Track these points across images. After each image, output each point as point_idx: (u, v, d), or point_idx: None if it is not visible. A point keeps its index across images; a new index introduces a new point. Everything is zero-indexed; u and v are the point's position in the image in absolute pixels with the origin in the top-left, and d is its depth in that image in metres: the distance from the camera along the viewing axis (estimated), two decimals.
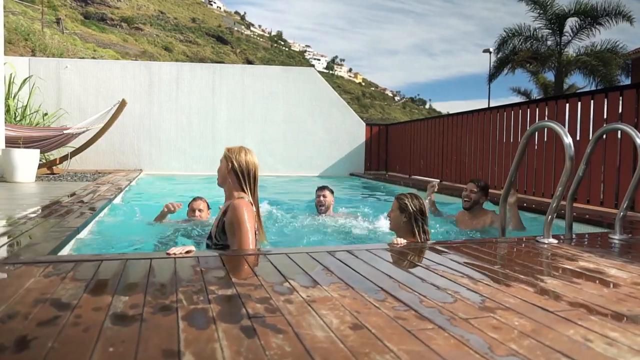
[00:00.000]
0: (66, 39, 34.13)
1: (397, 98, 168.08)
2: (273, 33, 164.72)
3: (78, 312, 1.84)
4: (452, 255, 2.89)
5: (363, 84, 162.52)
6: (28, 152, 7.42)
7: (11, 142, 7.96)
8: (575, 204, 5.76)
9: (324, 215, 5.69)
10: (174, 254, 2.82)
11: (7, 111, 9.90)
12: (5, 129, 8.13)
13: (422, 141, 10.80)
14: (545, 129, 6.27)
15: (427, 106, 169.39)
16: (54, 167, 9.42)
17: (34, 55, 19.08)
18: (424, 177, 10.49)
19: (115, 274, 2.43)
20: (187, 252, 2.88)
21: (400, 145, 12.20)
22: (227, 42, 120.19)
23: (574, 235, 3.72)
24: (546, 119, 6.64)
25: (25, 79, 10.94)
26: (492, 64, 24.97)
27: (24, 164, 7.29)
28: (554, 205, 3.29)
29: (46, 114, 10.91)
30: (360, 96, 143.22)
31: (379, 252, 2.94)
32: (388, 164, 12.87)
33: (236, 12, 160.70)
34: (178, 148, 12.14)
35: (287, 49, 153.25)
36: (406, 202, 3.44)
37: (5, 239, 3.20)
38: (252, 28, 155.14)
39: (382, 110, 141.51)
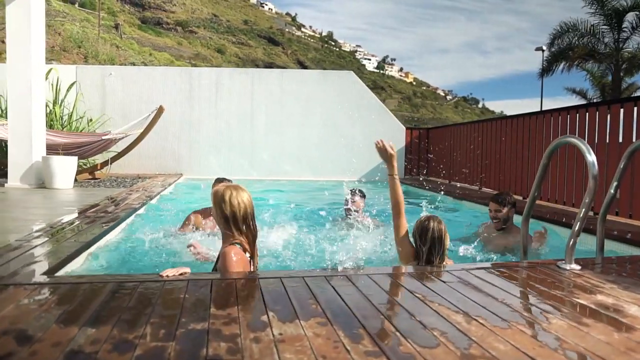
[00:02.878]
0: (124, 43, 35.46)
1: (449, 97, 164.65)
2: (324, 33, 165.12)
3: (37, 347, 1.80)
4: (457, 283, 2.69)
5: (414, 83, 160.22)
6: (66, 159, 7.67)
7: (51, 149, 8.25)
8: (616, 218, 5.36)
9: (350, 219, 5.61)
10: (167, 276, 2.76)
11: (52, 118, 10.31)
12: (47, 134, 8.43)
13: (463, 146, 10.43)
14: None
15: (479, 105, 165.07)
16: (96, 172, 9.71)
17: (86, 61, 19.88)
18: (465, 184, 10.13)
19: (97, 299, 2.38)
20: (182, 274, 2.82)
21: (441, 149, 11.84)
22: (278, 44, 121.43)
23: (605, 259, 3.42)
24: (577, 126, 6.22)
25: (71, 84, 11.35)
26: (544, 59, 23.93)
27: (62, 171, 7.54)
28: (577, 228, 3.02)
29: (91, 120, 11.28)
30: (411, 96, 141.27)
31: (378, 278, 2.78)
32: (429, 169, 12.54)
33: (287, 14, 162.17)
34: (217, 152, 12.28)
35: (337, 50, 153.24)
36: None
37: (14, 254, 3.25)
38: (303, 29, 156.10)
39: (434, 109, 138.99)
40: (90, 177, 9.49)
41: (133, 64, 23.24)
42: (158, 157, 12.01)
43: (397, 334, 1.95)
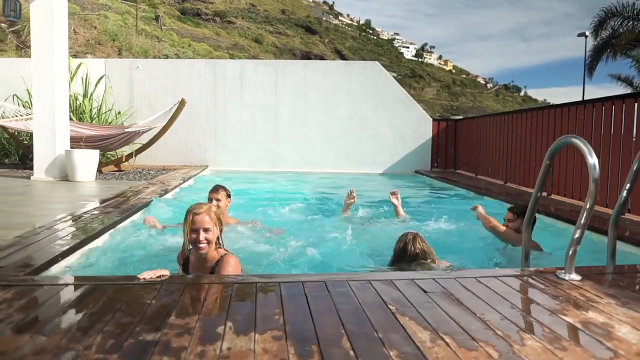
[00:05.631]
0: (163, 34, 35.92)
1: (489, 85, 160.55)
2: (361, 22, 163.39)
3: None
4: (439, 293, 2.54)
5: (453, 71, 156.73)
6: (88, 152, 7.82)
7: (76, 141, 8.42)
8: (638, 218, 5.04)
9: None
10: (143, 278, 2.73)
11: (82, 111, 10.56)
12: (71, 126, 8.60)
13: (491, 138, 10.07)
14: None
15: (522, 93, 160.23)
16: (121, 164, 9.89)
17: (120, 54, 20.27)
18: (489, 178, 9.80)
19: (64, 303, 2.38)
20: (159, 276, 2.78)
21: (468, 142, 11.49)
22: (315, 32, 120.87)
23: (616, 268, 3.20)
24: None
25: (100, 78, 11.59)
26: (588, 51, 22.88)
27: (84, 164, 7.69)
28: (577, 236, 2.81)
29: (119, 113, 11.50)
30: (451, 84, 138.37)
31: (357, 285, 2.66)
32: (456, 162, 12.21)
33: (324, 2, 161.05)
34: (242, 144, 12.31)
35: (375, 38, 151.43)
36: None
37: (4, 253, 3.27)
38: (340, 17, 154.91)
39: (474, 98, 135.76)
40: (115, 169, 9.67)
41: (166, 56, 23.55)
42: (184, 149, 12.14)
43: (351, 353, 1.84)
